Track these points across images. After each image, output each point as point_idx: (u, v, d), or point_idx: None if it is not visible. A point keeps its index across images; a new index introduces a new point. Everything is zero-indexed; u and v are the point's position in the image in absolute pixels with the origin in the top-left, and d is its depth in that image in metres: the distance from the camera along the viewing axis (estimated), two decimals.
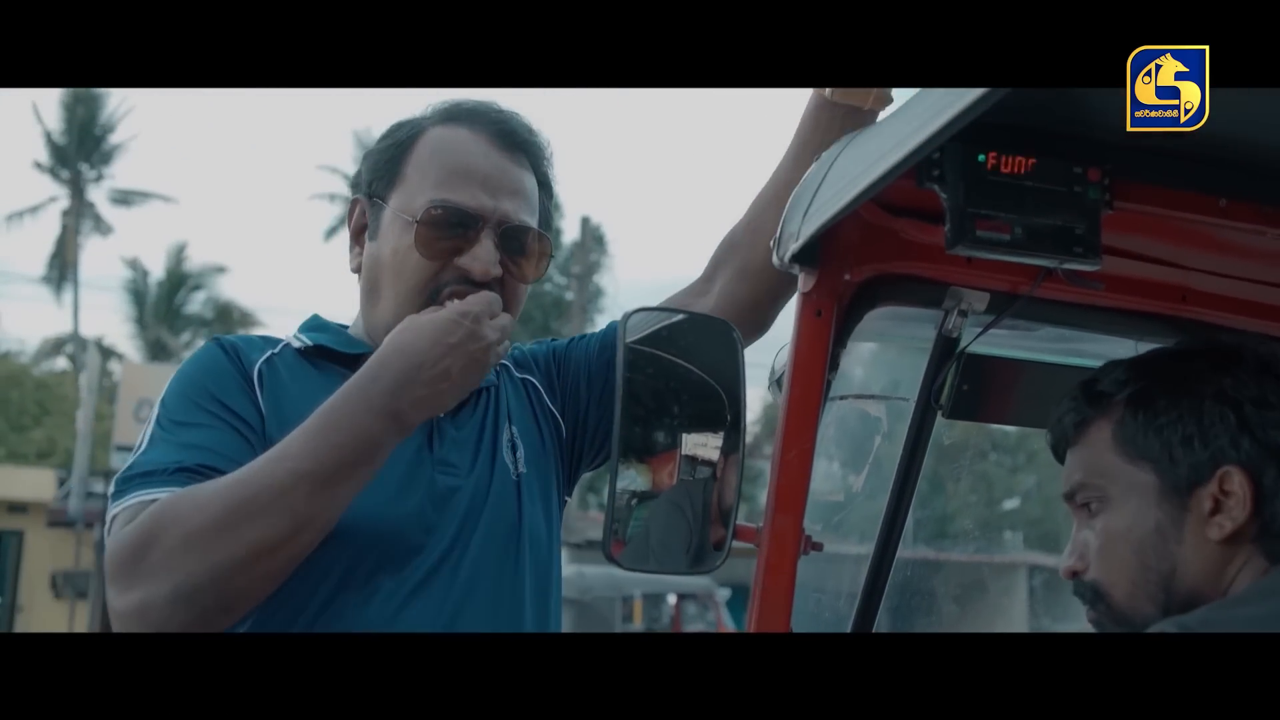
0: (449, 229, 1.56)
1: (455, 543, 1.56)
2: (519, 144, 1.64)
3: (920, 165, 1.18)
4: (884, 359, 1.81)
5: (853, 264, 1.41)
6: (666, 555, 1.44)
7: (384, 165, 1.63)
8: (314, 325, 1.70)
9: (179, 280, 33.14)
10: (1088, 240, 1.22)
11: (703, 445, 1.41)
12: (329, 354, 1.63)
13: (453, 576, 1.54)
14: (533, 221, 1.63)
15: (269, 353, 1.63)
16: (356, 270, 1.65)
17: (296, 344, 1.64)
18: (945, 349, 1.54)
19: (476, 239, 1.57)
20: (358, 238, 1.66)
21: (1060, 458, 1.35)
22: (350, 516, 1.45)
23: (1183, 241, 1.44)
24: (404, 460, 1.55)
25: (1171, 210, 1.34)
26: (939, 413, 1.60)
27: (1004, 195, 1.21)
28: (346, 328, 1.71)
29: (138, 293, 33.10)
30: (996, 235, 1.20)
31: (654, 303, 1.64)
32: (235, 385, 1.56)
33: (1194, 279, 1.49)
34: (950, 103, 0.94)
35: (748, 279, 1.69)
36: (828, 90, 1.60)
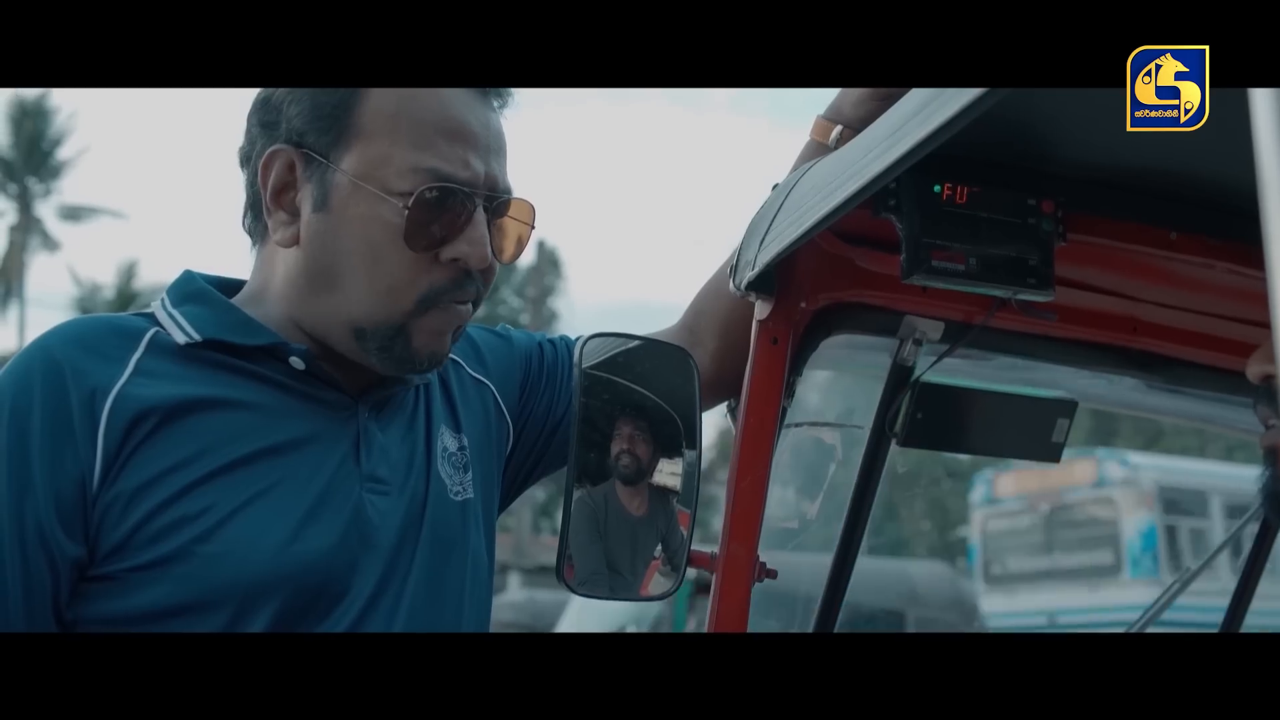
0: (442, 211, 1.23)
1: (387, 582, 1.26)
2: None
3: (876, 195, 1.18)
4: (839, 387, 1.82)
5: (809, 292, 1.41)
6: (620, 581, 1.44)
7: (328, 112, 1.25)
8: (190, 295, 1.29)
9: (130, 298, 32.74)
10: (1041, 271, 1.24)
11: (658, 471, 1.40)
12: (222, 346, 1.24)
13: (388, 623, 1.25)
14: (512, 184, 1.31)
15: (132, 358, 1.20)
16: (290, 244, 1.27)
17: (180, 337, 1.24)
18: (900, 377, 1.54)
19: (470, 219, 1.25)
20: (280, 199, 1.27)
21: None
22: (250, 561, 1.17)
23: (1133, 273, 1.46)
24: (321, 478, 1.24)
25: (1123, 242, 1.36)
26: (893, 440, 1.60)
27: (959, 226, 1.22)
28: (230, 285, 1.34)
29: (87, 311, 32.71)
30: (951, 265, 1.22)
31: (610, 327, 1.63)
32: (49, 445, 1.14)
33: (1144, 310, 1.51)
34: (910, 131, 0.94)
35: (734, 331, 1.50)
36: (831, 139, 1.45)
